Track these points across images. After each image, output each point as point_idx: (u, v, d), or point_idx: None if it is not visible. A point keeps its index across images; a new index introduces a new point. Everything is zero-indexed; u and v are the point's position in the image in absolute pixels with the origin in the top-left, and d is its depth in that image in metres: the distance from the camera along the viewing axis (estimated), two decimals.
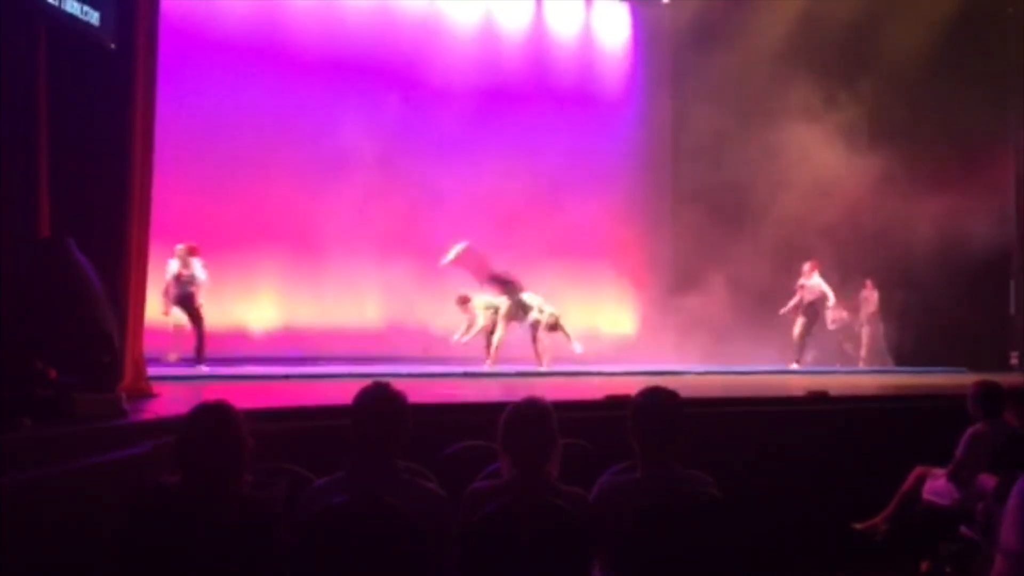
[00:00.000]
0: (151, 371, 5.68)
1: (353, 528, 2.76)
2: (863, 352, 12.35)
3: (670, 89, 14.39)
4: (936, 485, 5.23)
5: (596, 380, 8.96)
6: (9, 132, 4.38)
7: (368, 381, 3.05)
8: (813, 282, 11.29)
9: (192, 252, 9.23)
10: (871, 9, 12.09)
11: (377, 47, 12.14)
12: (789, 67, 11.86)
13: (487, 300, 10.58)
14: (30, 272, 4.18)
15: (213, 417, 2.82)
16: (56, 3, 4.49)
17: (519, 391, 3.45)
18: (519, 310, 10.38)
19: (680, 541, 2.98)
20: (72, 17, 4.62)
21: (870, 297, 12.31)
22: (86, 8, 4.69)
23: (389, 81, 12.06)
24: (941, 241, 10.99)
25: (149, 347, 5.95)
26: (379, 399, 2.96)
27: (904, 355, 12.07)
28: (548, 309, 10.35)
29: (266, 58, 11.30)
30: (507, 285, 10.40)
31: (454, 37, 12.91)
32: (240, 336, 10.83)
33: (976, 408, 5.13)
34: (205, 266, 9.28)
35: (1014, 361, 10.83)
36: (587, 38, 14.19)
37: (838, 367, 11.85)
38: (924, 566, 5.02)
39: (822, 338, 12.16)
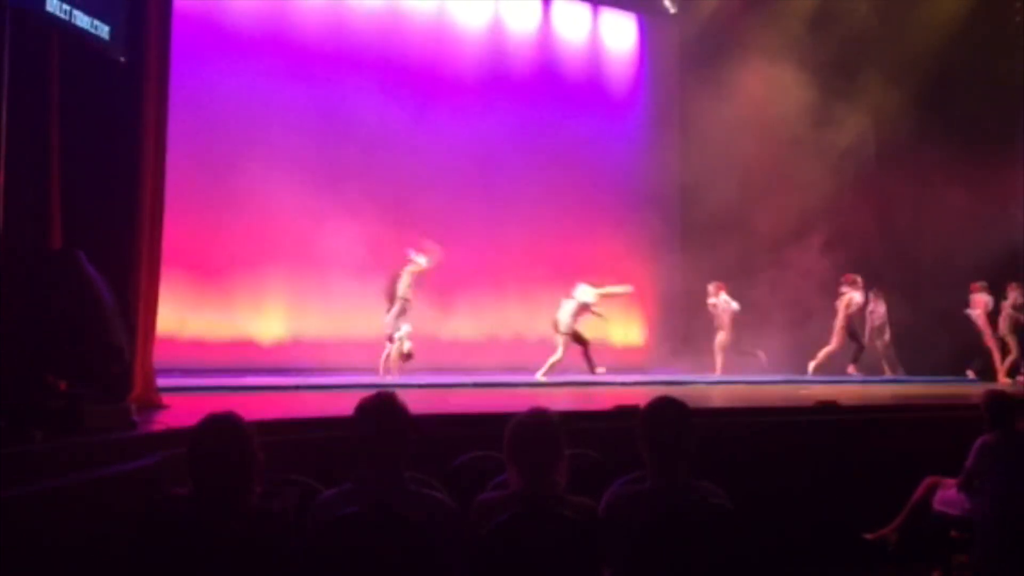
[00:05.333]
0: (161, 382, 5.70)
1: (364, 538, 2.76)
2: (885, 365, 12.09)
3: (677, 96, 14.41)
4: (947, 495, 5.21)
5: (605, 390, 8.95)
6: (21, 145, 4.41)
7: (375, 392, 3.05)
8: None
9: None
10: (879, 17, 12.11)
11: (386, 56, 12.19)
12: (797, 74, 11.88)
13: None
14: (40, 284, 4.19)
15: (223, 428, 2.82)
16: (66, 17, 4.51)
17: (528, 402, 3.44)
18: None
19: (690, 552, 2.96)
20: (82, 31, 4.63)
21: (876, 309, 12.13)
22: (96, 22, 4.71)
23: (395, 88, 12.08)
24: (950, 248, 10.94)
25: (165, 358, 5.98)
26: (378, 409, 2.96)
27: (913, 364, 11.99)
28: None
29: (274, 69, 11.33)
30: None
31: (461, 42, 12.97)
32: (249, 347, 10.85)
33: (986, 418, 5.10)
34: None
35: (1022, 379, 10.74)
36: (594, 47, 14.23)
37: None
38: None
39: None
